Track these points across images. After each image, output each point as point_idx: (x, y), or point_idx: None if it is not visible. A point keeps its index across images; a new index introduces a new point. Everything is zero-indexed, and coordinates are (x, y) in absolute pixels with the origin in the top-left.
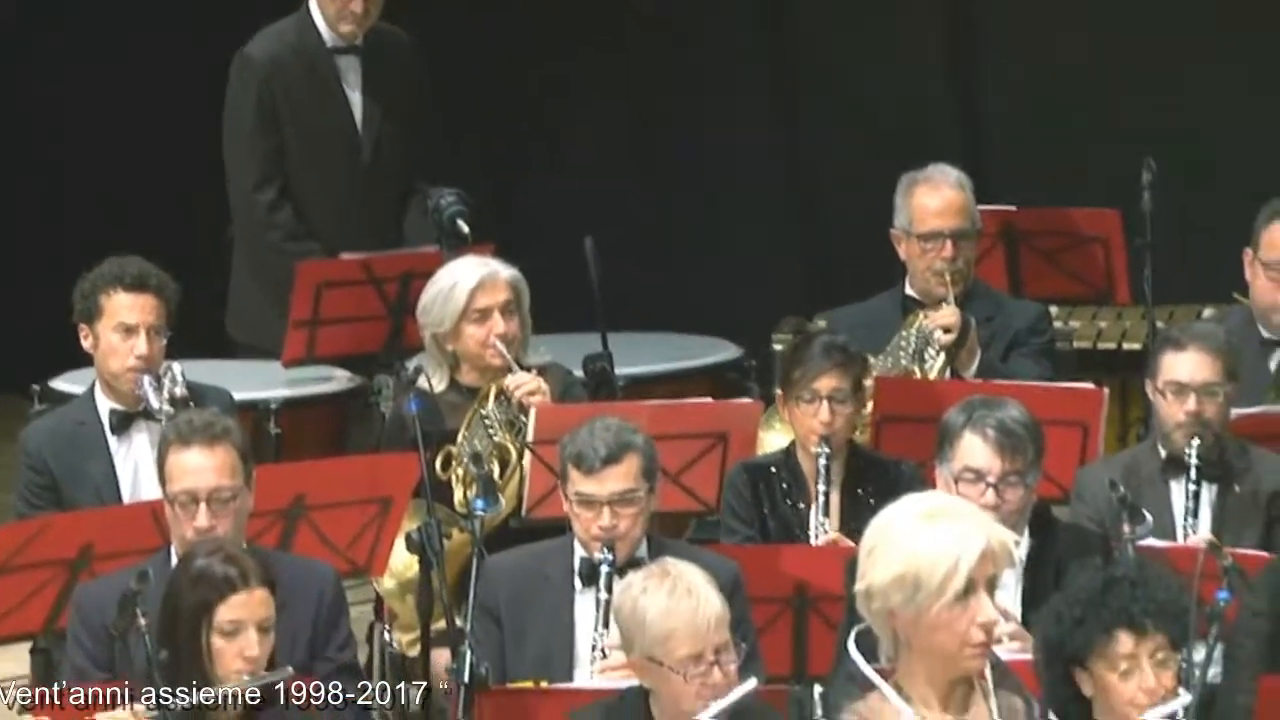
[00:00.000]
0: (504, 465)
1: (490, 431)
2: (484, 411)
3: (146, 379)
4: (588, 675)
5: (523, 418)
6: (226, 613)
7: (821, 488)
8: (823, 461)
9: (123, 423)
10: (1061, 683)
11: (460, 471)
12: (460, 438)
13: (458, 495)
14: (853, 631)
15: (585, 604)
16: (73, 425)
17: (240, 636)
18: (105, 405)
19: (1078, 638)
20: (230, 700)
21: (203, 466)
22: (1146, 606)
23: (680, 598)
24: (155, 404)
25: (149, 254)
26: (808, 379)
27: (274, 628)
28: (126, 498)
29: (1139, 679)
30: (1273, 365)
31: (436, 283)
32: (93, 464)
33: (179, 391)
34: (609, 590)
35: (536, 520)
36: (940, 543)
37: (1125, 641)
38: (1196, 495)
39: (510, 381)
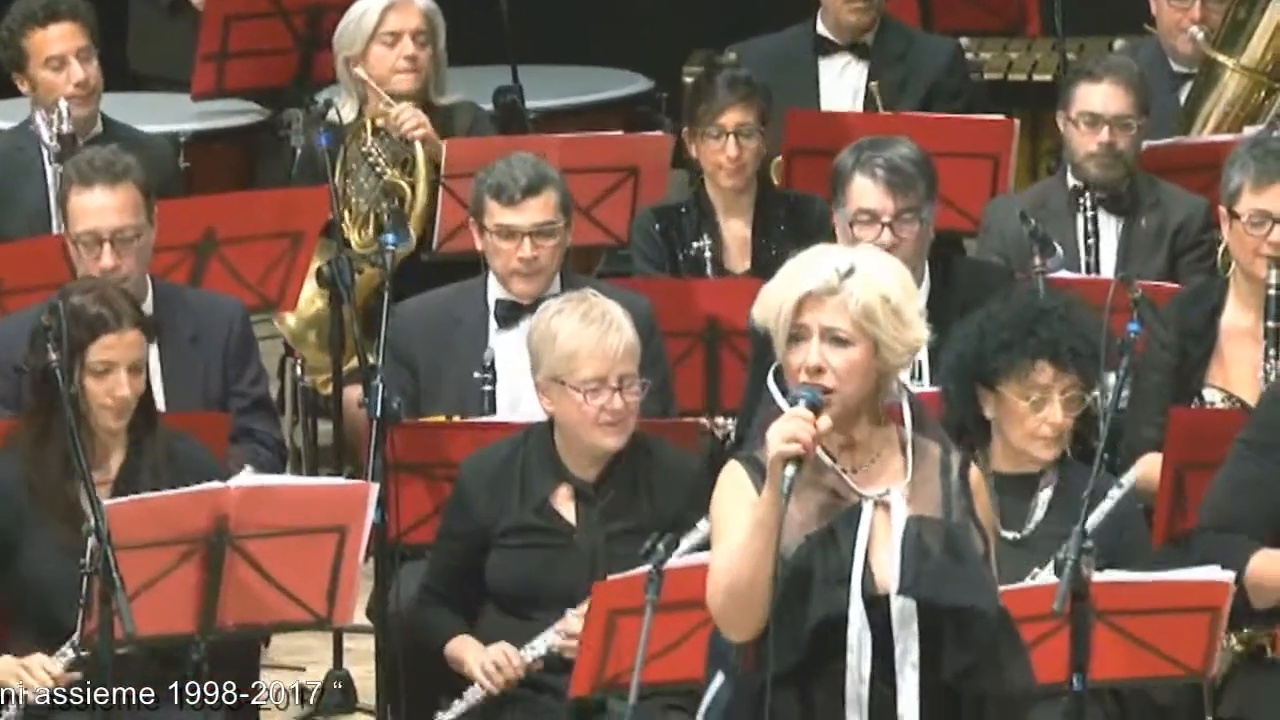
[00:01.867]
0: (400, 202)
1: (377, 170)
2: (366, 149)
3: (40, 114)
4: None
5: (410, 151)
6: (98, 353)
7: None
8: None
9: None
10: (965, 399)
11: (348, 213)
12: (343, 180)
13: (352, 238)
14: (772, 367)
15: (500, 344)
16: (10, 149)
17: (109, 377)
18: (45, 132)
19: (1000, 359)
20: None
21: (105, 207)
22: (1074, 345)
23: (592, 321)
24: (46, 138)
25: None
26: (713, 114)
27: (144, 368)
28: (56, 229)
29: (1048, 411)
30: (1182, 98)
31: (352, 9)
32: (28, 189)
33: (66, 128)
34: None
35: (448, 255)
36: (771, 291)
37: (1045, 372)
38: (1096, 232)
39: (392, 116)
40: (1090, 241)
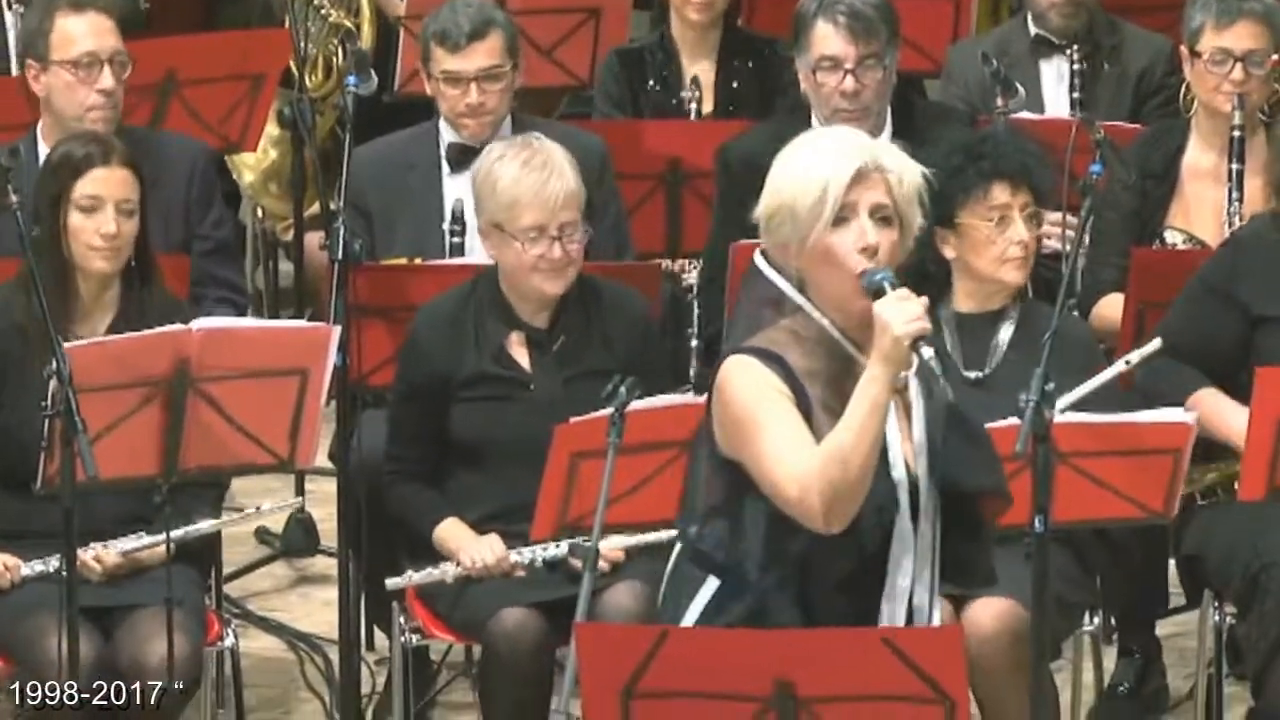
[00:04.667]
0: (343, 44)
1: (324, 13)
2: None
3: None
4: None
5: None
6: (85, 187)
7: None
8: None
9: None
10: (922, 242)
11: (293, 62)
12: (287, 24)
13: (308, 82)
14: (759, 249)
15: (453, 187)
16: None
17: (98, 214)
18: None
19: (953, 185)
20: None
21: (103, 29)
22: (1024, 160)
23: (534, 169)
24: None
25: None
26: None
27: (136, 214)
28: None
29: (1012, 230)
30: None
31: None
32: None
33: None
34: None
35: (407, 96)
36: (809, 168)
37: (1002, 189)
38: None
39: None
40: (1076, 94)
